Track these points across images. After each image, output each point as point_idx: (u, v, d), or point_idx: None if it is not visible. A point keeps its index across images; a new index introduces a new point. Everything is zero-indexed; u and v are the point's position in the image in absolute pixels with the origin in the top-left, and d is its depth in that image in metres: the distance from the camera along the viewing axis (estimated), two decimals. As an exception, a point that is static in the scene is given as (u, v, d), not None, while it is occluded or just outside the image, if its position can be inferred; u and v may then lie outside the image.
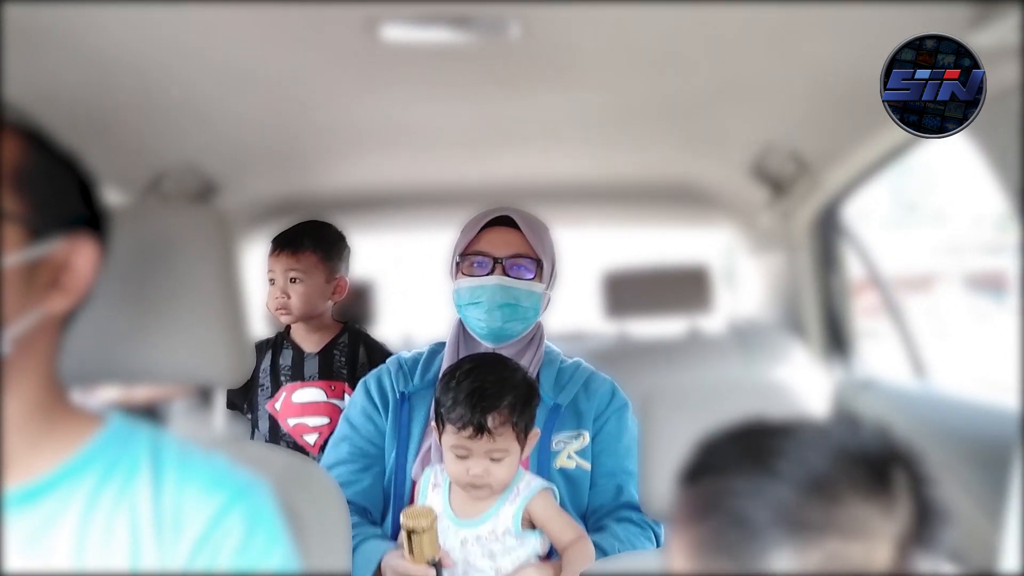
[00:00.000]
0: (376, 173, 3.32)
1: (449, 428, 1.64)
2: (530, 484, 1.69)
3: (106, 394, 2.32)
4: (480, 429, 1.61)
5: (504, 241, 1.86)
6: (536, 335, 1.92)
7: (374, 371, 1.96)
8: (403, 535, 1.59)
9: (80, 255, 0.95)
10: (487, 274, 1.84)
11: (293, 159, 3.08)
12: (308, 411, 2.27)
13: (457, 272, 1.88)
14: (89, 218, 0.98)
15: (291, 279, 2.28)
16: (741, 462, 0.75)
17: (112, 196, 2.65)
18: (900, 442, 0.76)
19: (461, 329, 1.92)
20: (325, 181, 3.39)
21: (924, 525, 0.74)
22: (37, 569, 0.91)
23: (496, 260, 1.84)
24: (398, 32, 1.93)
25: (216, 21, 1.87)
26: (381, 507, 1.83)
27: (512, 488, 1.68)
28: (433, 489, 1.72)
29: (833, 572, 0.70)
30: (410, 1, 1.82)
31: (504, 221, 1.88)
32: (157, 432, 1.03)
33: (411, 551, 1.57)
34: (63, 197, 0.95)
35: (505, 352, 1.85)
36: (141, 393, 2.48)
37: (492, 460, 1.63)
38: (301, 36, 1.99)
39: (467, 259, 1.86)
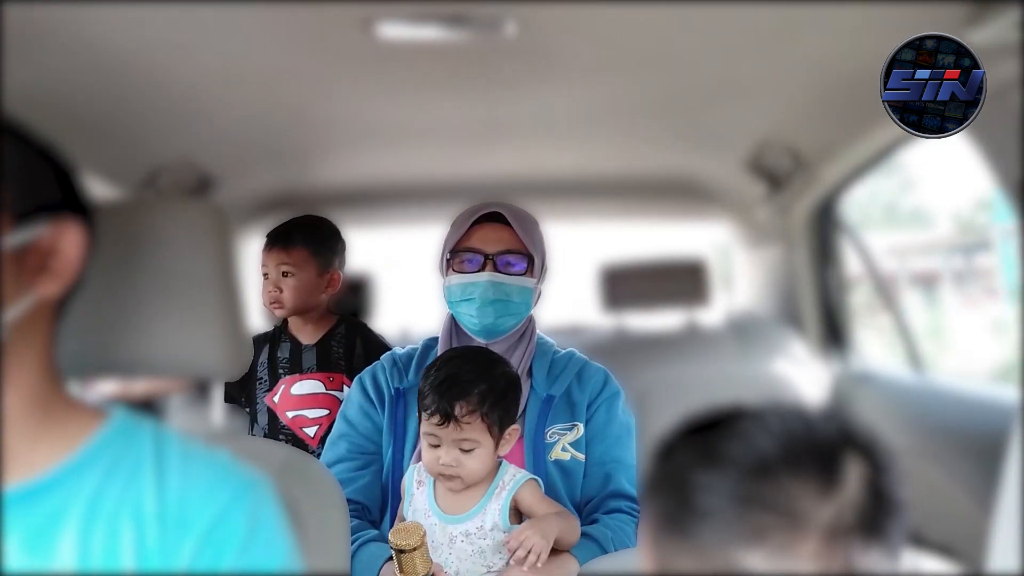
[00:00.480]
0: (373, 168, 3.32)
1: (423, 416, 1.65)
2: (515, 476, 1.69)
3: (104, 388, 2.32)
4: (447, 417, 1.61)
5: (494, 237, 1.85)
6: (528, 329, 1.92)
7: (369, 368, 1.96)
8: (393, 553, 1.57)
9: (66, 239, 0.96)
10: (478, 270, 1.83)
11: (290, 154, 3.08)
12: (307, 403, 2.27)
13: (447, 269, 1.87)
14: (72, 204, 0.99)
15: (283, 273, 2.28)
16: (692, 442, 0.78)
17: (109, 191, 2.65)
18: (859, 431, 0.76)
19: (453, 324, 1.92)
20: (322, 176, 3.39)
21: (872, 516, 0.73)
22: (40, 568, 0.91)
23: (487, 256, 1.83)
24: (394, 30, 1.93)
25: (213, 18, 1.87)
26: (380, 504, 1.84)
27: (497, 482, 1.68)
28: (418, 487, 1.71)
29: (758, 545, 0.71)
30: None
31: (494, 217, 1.87)
32: (160, 427, 1.02)
33: (401, 570, 1.55)
34: (43, 184, 0.96)
35: (497, 347, 1.85)
36: (139, 387, 2.48)
37: (462, 451, 1.63)
38: (298, 33, 1.99)
39: (457, 256, 1.86)
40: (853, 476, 0.74)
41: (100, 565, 0.92)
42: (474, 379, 1.64)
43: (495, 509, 1.65)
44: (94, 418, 1.00)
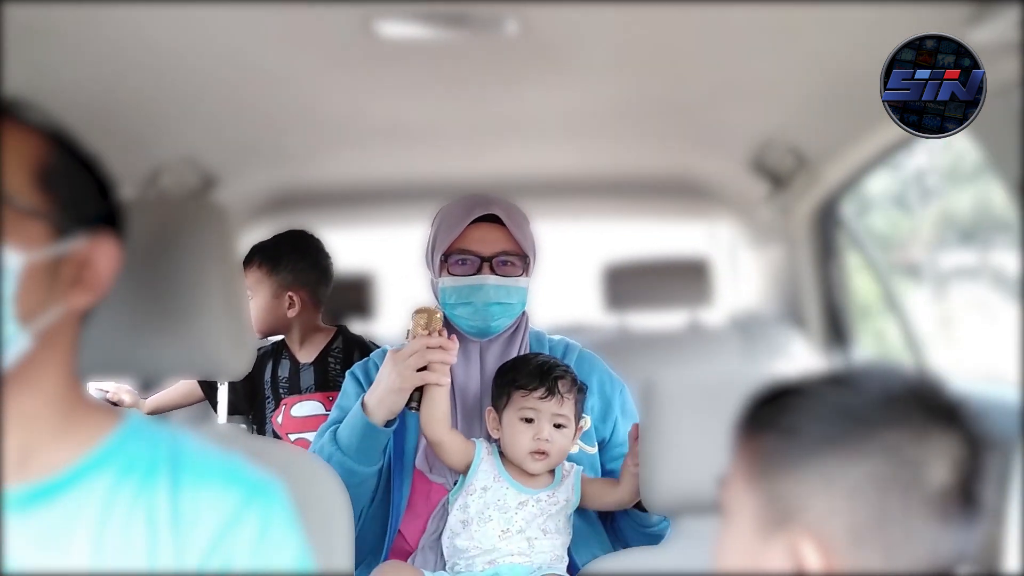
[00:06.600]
0: (375, 167, 3.32)
1: (516, 394, 1.72)
2: (573, 465, 1.78)
3: (93, 387, 2.28)
4: (551, 391, 1.70)
5: (490, 238, 1.82)
6: (522, 323, 1.91)
7: (360, 362, 1.93)
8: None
9: (101, 253, 0.97)
10: (475, 273, 1.80)
11: (292, 153, 3.08)
12: (308, 426, 2.22)
13: (441, 269, 1.84)
14: (108, 217, 1.00)
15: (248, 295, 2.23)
16: (818, 381, 0.83)
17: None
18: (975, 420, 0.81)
19: (443, 322, 1.88)
20: (324, 175, 3.38)
21: (977, 454, 0.78)
22: (54, 566, 0.92)
23: (484, 259, 1.81)
24: (395, 28, 1.93)
25: (213, 17, 1.87)
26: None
27: (559, 469, 1.76)
28: (488, 455, 1.76)
29: (888, 463, 0.75)
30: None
31: (487, 215, 1.83)
32: (174, 429, 1.04)
33: (418, 326, 1.72)
34: (85, 196, 0.97)
35: (493, 344, 1.86)
36: (148, 403, 2.45)
37: (556, 427, 1.71)
38: (298, 31, 1.99)
39: (453, 257, 1.82)
40: (964, 427, 0.79)
41: (113, 564, 0.93)
42: (567, 369, 1.77)
43: (568, 486, 1.74)
44: (110, 419, 1.01)
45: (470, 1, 1.85)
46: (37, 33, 1.80)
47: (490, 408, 1.77)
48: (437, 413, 1.71)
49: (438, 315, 1.72)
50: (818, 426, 0.78)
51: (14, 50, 1.74)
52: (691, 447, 1.35)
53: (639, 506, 1.72)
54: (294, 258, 2.31)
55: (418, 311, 1.73)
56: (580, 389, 1.76)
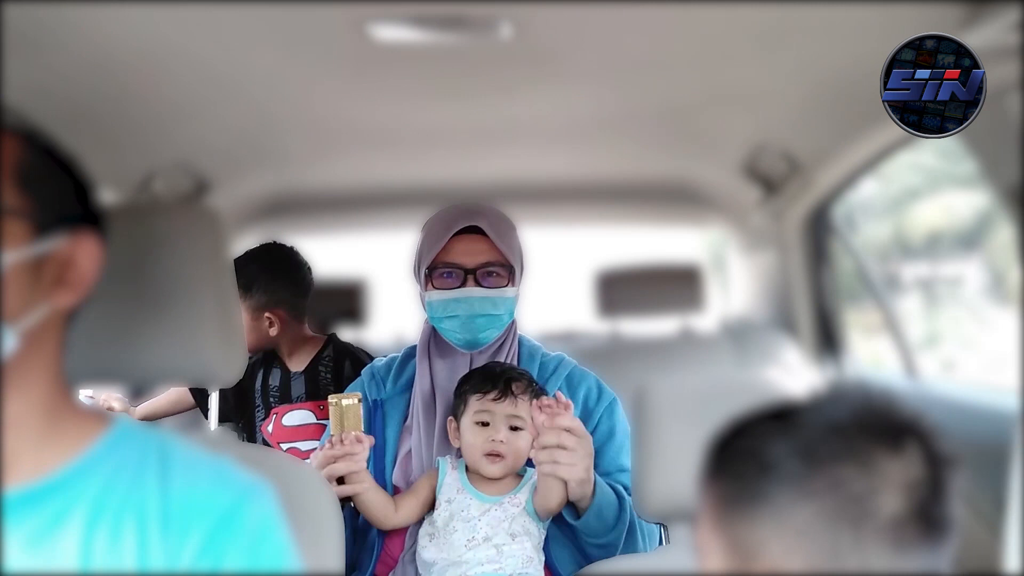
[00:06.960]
0: (369, 171, 3.32)
1: (472, 398, 1.71)
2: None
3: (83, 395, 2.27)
4: (504, 392, 1.69)
5: (473, 250, 1.81)
6: (509, 333, 1.90)
7: (349, 387, 1.93)
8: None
9: (83, 252, 0.97)
10: (459, 286, 1.80)
11: (285, 157, 3.08)
12: (299, 435, 2.22)
13: (427, 283, 1.84)
14: (89, 216, 1.00)
15: None
16: (765, 420, 0.82)
17: (104, 195, 2.63)
18: (926, 419, 0.81)
19: (432, 333, 1.89)
20: (317, 179, 3.38)
21: (935, 474, 0.78)
22: (42, 569, 0.92)
23: (468, 272, 1.80)
24: (389, 32, 1.93)
25: (206, 20, 1.87)
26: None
27: (528, 475, 1.73)
28: (452, 469, 1.75)
29: (835, 498, 0.75)
30: (402, 1, 1.82)
31: (470, 226, 1.82)
32: (163, 433, 1.04)
33: (337, 424, 1.64)
34: (64, 195, 0.98)
35: (482, 355, 1.85)
36: (139, 410, 2.45)
37: (512, 429, 1.69)
38: (292, 35, 1.99)
39: (436, 270, 1.82)
40: (917, 448, 0.78)
41: (102, 566, 0.93)
42: (522, 371, 1.77)
43: (529, 488, 1.71)
44: (99, 423, 1.01)
45: (465, 3, 1.85)
46: (30, 38, 1.79)
47: (451, 418, 1.77)
48: (375, 514, 1.70)
49: (349, 405, 1.64)
50: (763, 470, 0.78)
51: (8, 53, 1.74)
52: (683, 454, 1.34)
53: (577, 513, 1.71)
54: (266, 279, 2.27)
55: (330, 406, 1.65)
56: (536, 393, 1.73)
